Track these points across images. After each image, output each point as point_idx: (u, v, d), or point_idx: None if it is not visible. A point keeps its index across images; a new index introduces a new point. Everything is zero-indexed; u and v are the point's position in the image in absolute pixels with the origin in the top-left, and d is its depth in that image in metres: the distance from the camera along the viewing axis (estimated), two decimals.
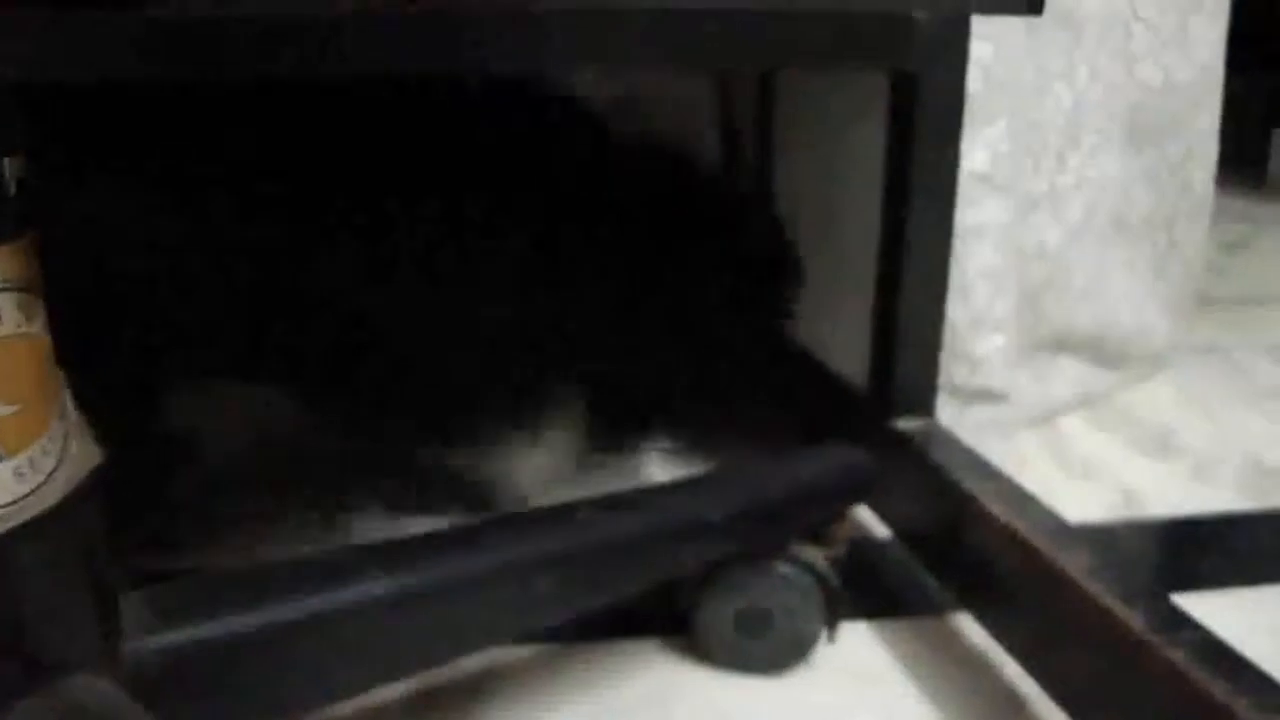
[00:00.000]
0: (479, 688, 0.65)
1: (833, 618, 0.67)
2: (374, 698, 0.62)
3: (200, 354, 0.75)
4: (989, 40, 0.85)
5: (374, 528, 0.78)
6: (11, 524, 0.37)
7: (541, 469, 0.83)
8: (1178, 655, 0.49)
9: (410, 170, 0.79)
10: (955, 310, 0.87)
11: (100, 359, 0.46)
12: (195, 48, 0.53)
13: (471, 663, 0.67)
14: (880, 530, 0.79)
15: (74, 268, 0.56)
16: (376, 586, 0.51)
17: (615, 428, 0.90)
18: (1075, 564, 0.57)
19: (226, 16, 0.53)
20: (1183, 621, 0.52)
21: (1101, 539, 0.82)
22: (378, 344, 0.79)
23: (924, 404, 0.76)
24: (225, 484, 0.79)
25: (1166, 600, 0.54)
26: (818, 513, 0.70)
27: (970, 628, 0.70)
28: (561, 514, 0.62)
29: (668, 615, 0.69)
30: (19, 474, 0.37)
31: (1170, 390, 1.11)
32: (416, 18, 0.56)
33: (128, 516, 0.45)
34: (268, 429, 0.80)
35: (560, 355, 0.85)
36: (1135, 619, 0.52)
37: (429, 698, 0.64)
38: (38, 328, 0.38)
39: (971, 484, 0.67)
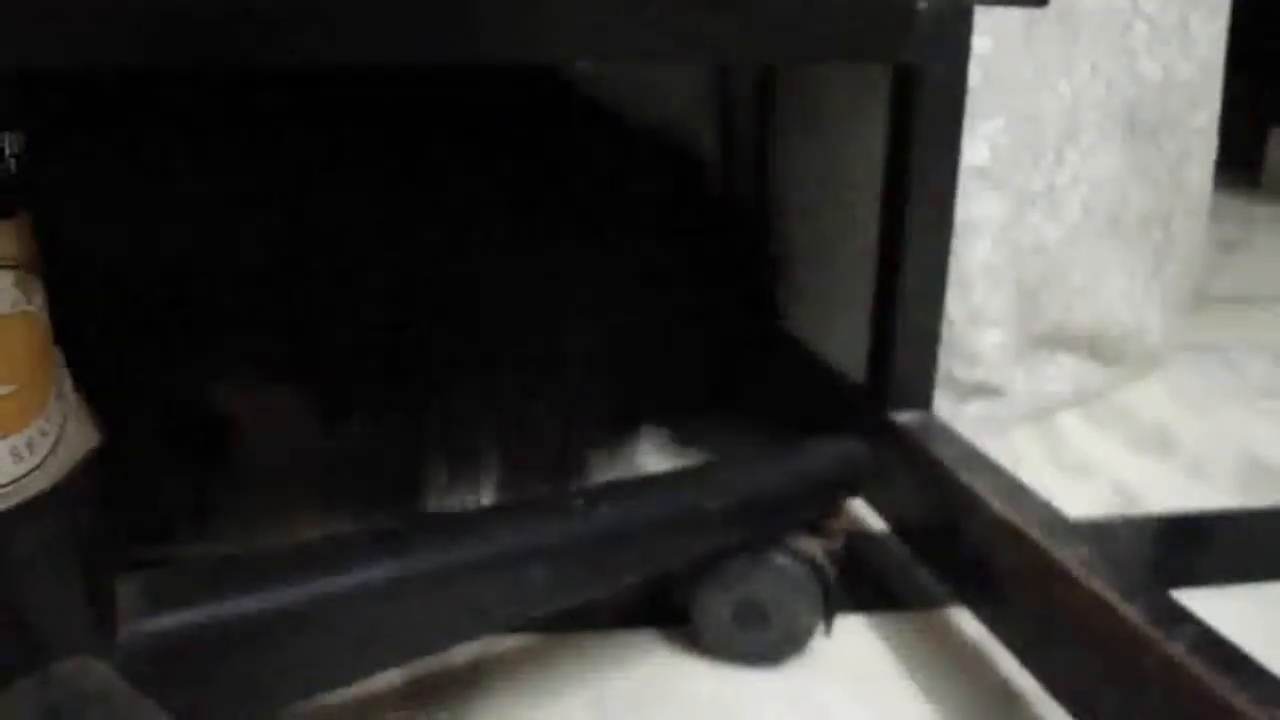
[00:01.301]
0: (476, 676, 0.65)
1: (829, 610, 0.67)
2: (370, 684, 0.62)
3: (211, 345, 0.75)
4: (989, 34, 0.85)
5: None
6: (8, 504, 0.37)
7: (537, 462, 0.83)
8: (1177, 649, 0.49)
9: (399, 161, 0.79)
10: (953, 305, 0.87)
11: (108, 346, 0.46)
12: (198, 36, 0.53)
13: (468, 651, 0.66)
14: (877, 523, 0.79)
15: (89, 254, 0.56)
16: (374, 573, 0.51)
17: (610, 421, 0.90)
18: (1073, 558, 0.57)
19: (230, 4, 0.52)
20: (1182, 616, 0.52)
21: (1099, 534, 0.82)
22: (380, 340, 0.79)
23: (922, 397, 0.75)
24: (232, 475, 0.79)
25: (1165, 595, 0.54)
26: (815, 505, 0.70)
27: (967, 621, 0.70)
28: (559, 503, 0.62)
29: (665, 606, 0.69)
30: (16, 454, 0.37)
31: (1166, 388, 1.11)
32: (415, 6, 0.55)
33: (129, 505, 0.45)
34: (277, 422, 0.80)
35: (552, 350, 0.85)
36: (1134, 613, 0.52)
37: (425, 685, 0.64)
38: (36, 306, 0.37)
39: (969, 477, 0.66)
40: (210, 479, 0.78)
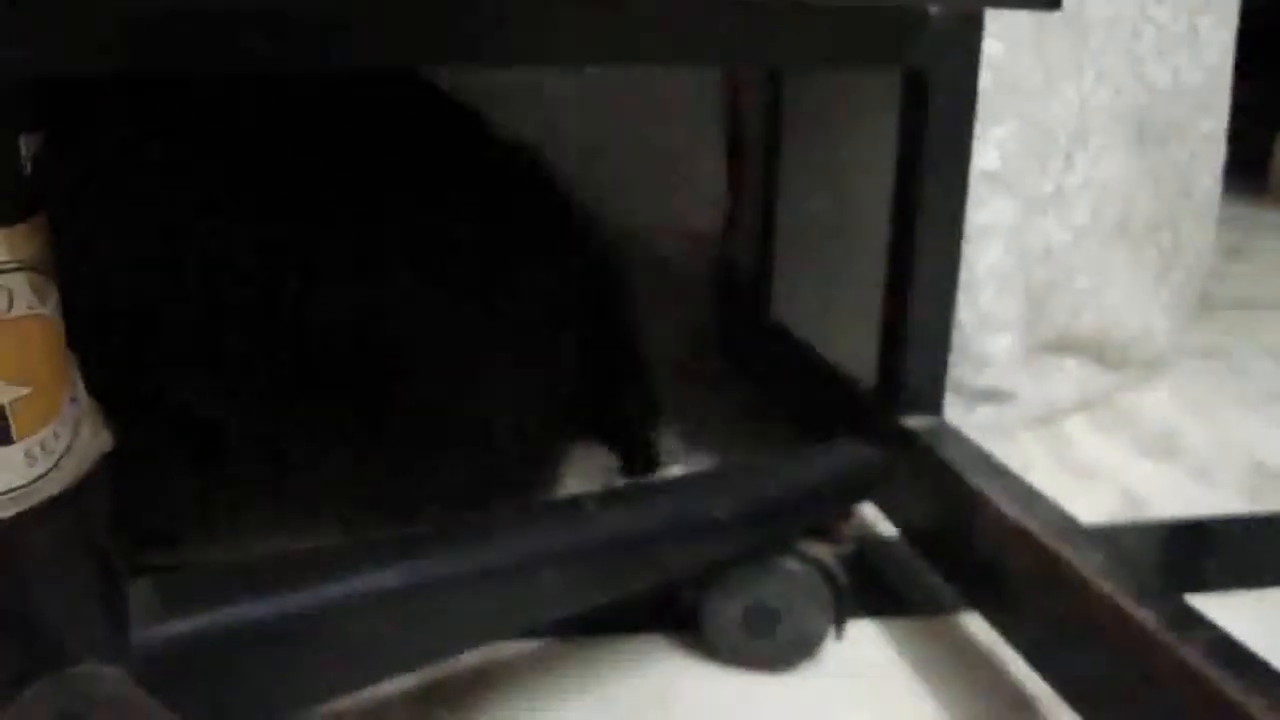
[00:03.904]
0: (483, 682, 0.65)
1: (840, 616, 0.67)
2: (377, 691, 0.62)
3: (208, 348, 0.75)
4: (999, 38, 0.85)
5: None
6: (21, 507, 0.37)
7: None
8: (1191, 654, 0.49)
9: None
10: (962, 310, 0.87)
11: (111, 350, 0.45)
12: (191, 39, 0.53)
13: (476, 657, 0.66)
14: (888, 528, 0.79)
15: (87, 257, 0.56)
16: (384, 579, 0.51)
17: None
18: (1086, 562, 0.57)
19: (226, 6, 0.52)
20: (1196, 620, 0.52)
21: (1108, 539, 0.82)
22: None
23: (932, 402, 0.75)
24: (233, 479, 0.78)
25: (1179, 599, 0.54)
26: (825, 510, 0.70)
27: (978, 626, 0.70)
28: (569, 509, 0.62)
29: (674, 612, 0.68)
30: (30, 457, 0.37)
31: (1172, 392, 1.11)
32: (413, 9, 0.55)
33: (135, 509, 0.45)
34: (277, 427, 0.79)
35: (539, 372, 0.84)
36: (1148, 617, 0.52)
37: (433, 691, 0.63)
38: (50, 309, 0.37)
39: (980, 482, 0.66)
40: (213, 484, 0.77)
